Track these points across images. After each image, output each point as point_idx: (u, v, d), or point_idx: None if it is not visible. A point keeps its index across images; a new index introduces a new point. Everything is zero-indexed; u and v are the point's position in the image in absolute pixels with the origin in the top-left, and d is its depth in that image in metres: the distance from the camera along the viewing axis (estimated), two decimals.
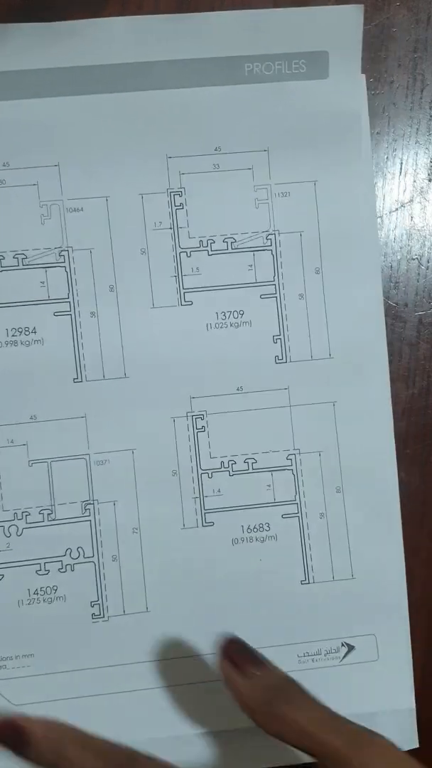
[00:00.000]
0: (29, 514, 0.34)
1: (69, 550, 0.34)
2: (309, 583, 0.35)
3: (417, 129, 0.37)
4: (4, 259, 0.34)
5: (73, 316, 0.34)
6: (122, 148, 0.34)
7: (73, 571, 0.34)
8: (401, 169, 0.37)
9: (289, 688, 0.29)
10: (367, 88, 0.36)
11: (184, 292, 0.35)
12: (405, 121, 0.37)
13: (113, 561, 0.34)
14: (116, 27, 0.33)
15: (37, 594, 0.34)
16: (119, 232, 0.34)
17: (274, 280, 0.35)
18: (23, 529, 0.34)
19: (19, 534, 0.34)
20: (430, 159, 0.37)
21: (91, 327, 0.34)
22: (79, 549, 0.34)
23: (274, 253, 0.35)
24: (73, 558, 0.34)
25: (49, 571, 0.34)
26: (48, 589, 0.34)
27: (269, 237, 0.35)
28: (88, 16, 0.34)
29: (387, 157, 0.36)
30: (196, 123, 0.34)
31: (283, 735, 0.28)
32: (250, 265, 0.35)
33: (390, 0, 0.36)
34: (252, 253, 0.35)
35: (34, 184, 0.34)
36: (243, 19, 0.34)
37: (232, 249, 0.35)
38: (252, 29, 0.34)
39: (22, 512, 0.34)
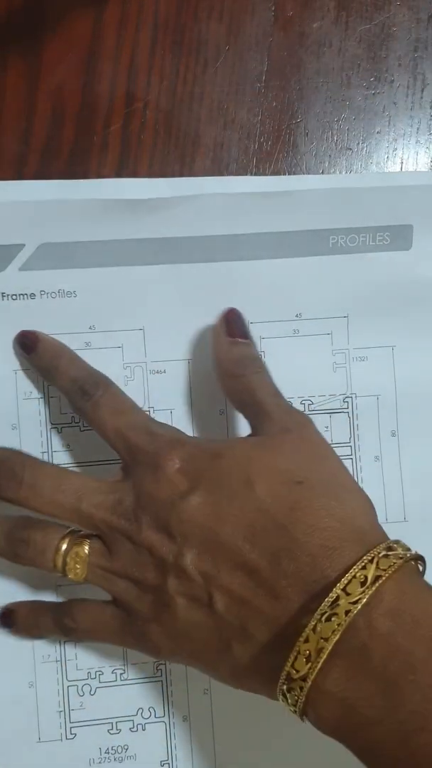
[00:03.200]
0: (102, 674, 0.34)
1: (140, 710, 0.34)
2: None
3: (417, 128, 0.37)
4: None
5: None
6: (205, 314, 0.34)
7: (144, 730, 0.34)
8: (401, 167, 0.37)
9: (257, 364, 0.33)
10: (366, 88, 0.36)
11: None
12: (405, 121, 0.37)
13: (184, 721, 0.34)
14: (209, 202, 0.34)
15: (108, 753, 0.34)
16: (199, 393, 0.35)
17: (350, 442, 0.36)
18: (96, 688, 0.34)
19: (92, 693, 0.34)
20: (430, 158, 0.37)
21: None
22: (151, 709, 0.34)
23: (350, 415, 0.36)
24: (144, 717, 0.34)
25: (120, 730, 0.34)
26: (119, 748, 0.34)
27: (346, 400, 0.36)
28: (89, 14, 0.34)
29: (387, 157, 0.37)
30: (278, 291, 0.35)
31: (237, 397, 0.32)
32: (327, 427, 0.35)
33: None
34: (329, 414, 0.35)
35: (119, 347, 0.34)
36: (332, 194, 0.34)
37: (308, 411, 0.35)
38: (340, 204, 0.34)
39: (96, 671, 0.34)
